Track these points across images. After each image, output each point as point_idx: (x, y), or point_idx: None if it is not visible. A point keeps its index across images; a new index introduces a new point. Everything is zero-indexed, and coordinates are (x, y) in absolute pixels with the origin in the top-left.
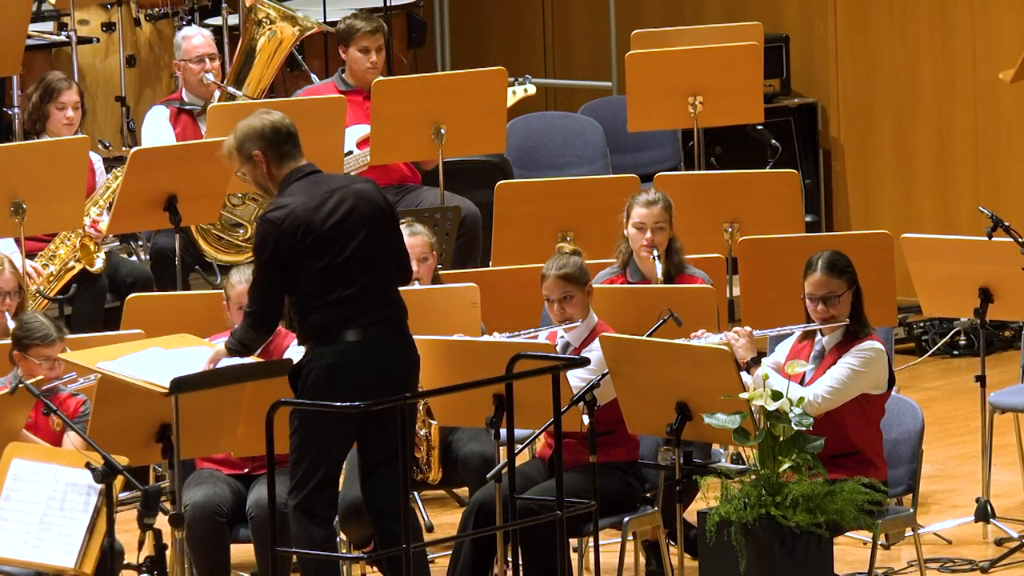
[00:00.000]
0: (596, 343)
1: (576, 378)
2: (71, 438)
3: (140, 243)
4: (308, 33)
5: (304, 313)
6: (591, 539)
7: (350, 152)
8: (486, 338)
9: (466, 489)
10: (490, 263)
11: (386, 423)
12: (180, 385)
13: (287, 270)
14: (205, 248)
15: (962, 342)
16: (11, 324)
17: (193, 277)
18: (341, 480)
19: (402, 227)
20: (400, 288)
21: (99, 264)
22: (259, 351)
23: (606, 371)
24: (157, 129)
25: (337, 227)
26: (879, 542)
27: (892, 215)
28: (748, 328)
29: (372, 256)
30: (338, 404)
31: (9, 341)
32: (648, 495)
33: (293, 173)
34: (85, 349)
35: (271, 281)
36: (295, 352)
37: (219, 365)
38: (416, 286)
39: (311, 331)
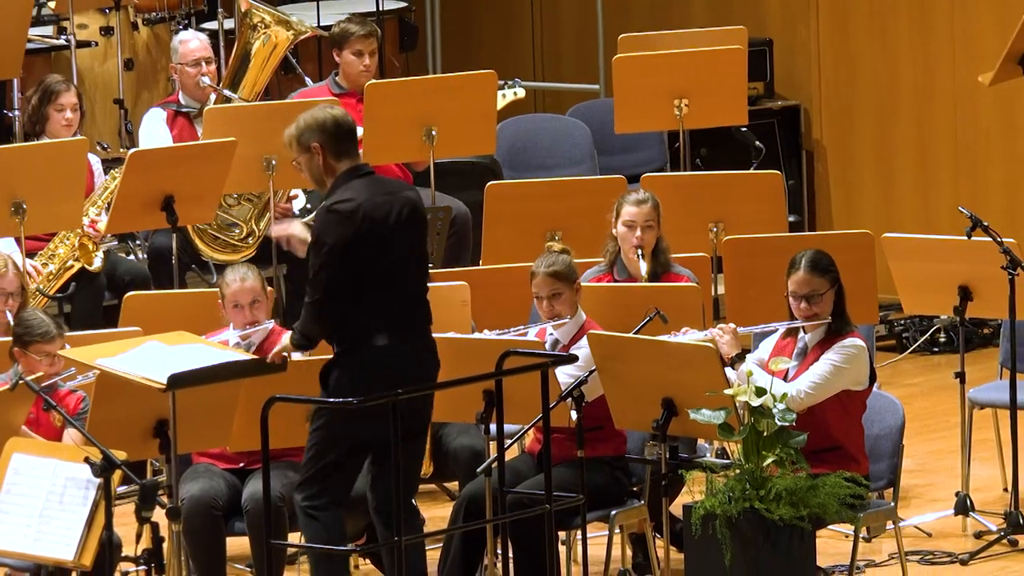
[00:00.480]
0: (584, 340)
1: (564, 374)
2: (71, 434)
3: (138, 242)
4: (302, 37)
5: (338, 312)
6: (579, 532)
7: None
8: (476, 335)
9: (456, 483)
10: (480, 262)
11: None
12: (177, 381)
13: (352, 264)
14: (201, 247)
15: (942, 339)
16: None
17: (190, 276)
18: None
19: None
20: None
21: (98, 263)
22: (254, 349)
23: (594, 368)
24: (154, 131)
25: (395, 230)
26: (861, 535)
27: (873, 215)
28: (732, 325)
29: (412, 263)
30: (331, 400)
31: (10, 339)
32: (635, 489)
33: (352, 171)
34: (84, 346)
35: (338, 273)
36: None
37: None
38: None
39: (345, 332)
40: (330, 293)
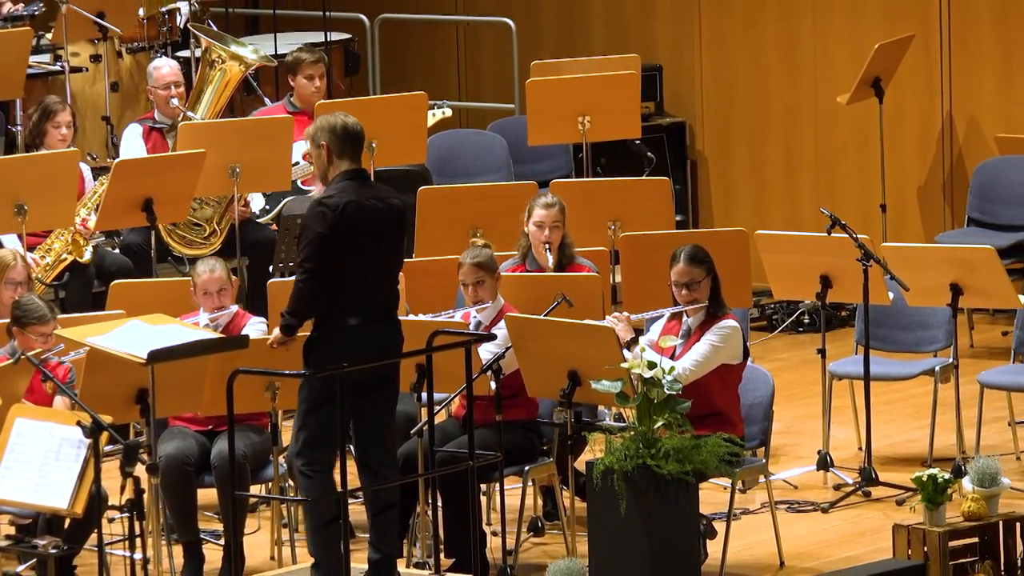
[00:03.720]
0: (503, 322)
1: (485, 351)
2: (62, 400)
3: (120, 237)
4: (252, 68)
5: (329, 296)
6: (497, 484)
7: (297, 163)
8: (411, 318)
9: None
10: (414, 255)
11: (374, 398)
12: (155, 356)
13: (328, 251)
14: (170, 243)
15: (806, 321)
16: None
17: (165, 267)
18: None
19: None
20: None
21: (88, 256)
22: (221, 329)
23: (510, 345)
24: (132, 143)
25: (373, 229)
26: (737, 487)
27: (748, 215)
28: (626, 313)
29: (385, 257)
30: (288, 372)
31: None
32: (545, 448)
33: (349, 172)
34: (76, 327)
35: (321, 258)
36: (252, 329)
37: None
38: None
39: (324, 312)
40: (316, 277)
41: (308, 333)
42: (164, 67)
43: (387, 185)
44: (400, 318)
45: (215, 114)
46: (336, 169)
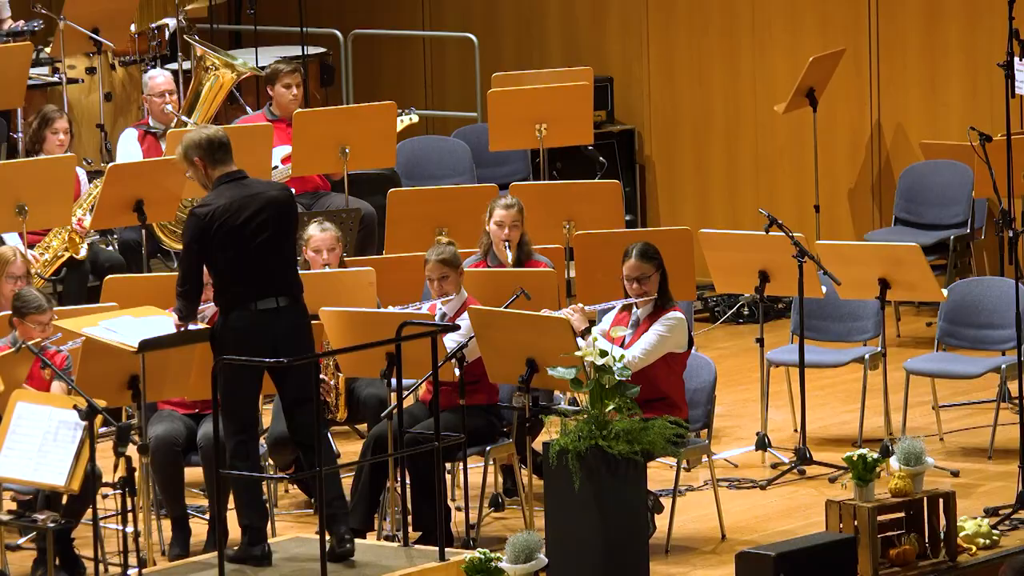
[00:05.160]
0: (466, 313)
1: (450, 340)
2: (59, 385)
3: (114, 235)
4: (243, 77)
5: (219, 289)
6: (461, 463)
7: (276, 167)
8: (381, 310)
9: (365, 425)
10: (384, 251)
11: (296, 373)
12: (146, 345)
13: (205, 254)
14: (162, 238)
15: (746, 312)
16: None
17: (154, 262)
18: (268, 418)
19: (315, 224)
20: (301, 271)
21: (83, 252)
22: (206, 322)
23: (473, 335)
24: (128, 147)
25: (248, 224)
26: (682, 466)
27: (692, 215)
28: (580, 305)
29: (275, 246)
30: (269, 361)
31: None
32: (505, 430)
33: (224, 176)
34: (73, 318)
35: (193, 263)
36: None
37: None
38: (326, 270)
39: (224, 304)
40: (189, 275)
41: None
42: (158, 77)
43: (361, 187)
44: (370, 310)
45: (207, 118)
46: (214, 176)
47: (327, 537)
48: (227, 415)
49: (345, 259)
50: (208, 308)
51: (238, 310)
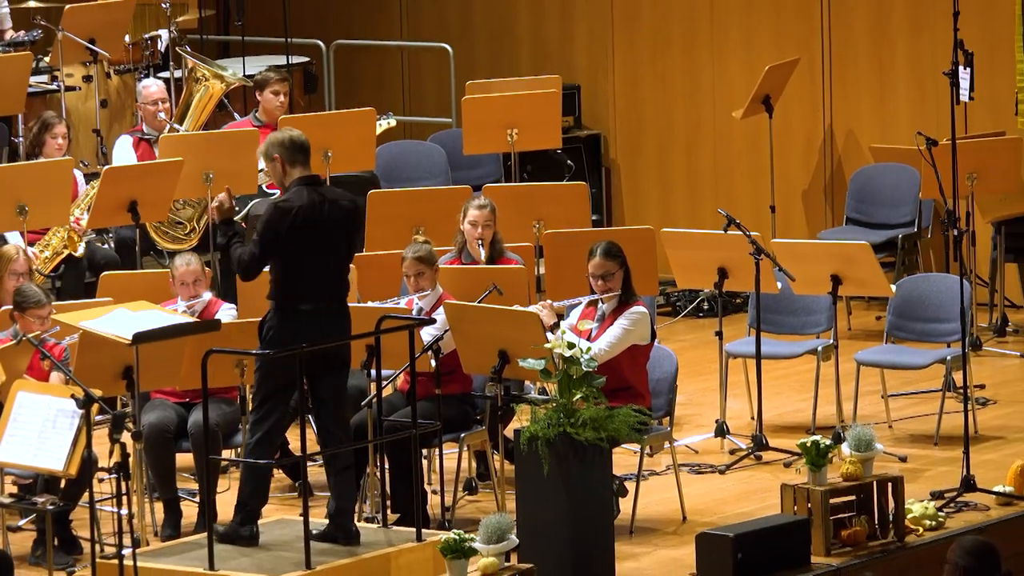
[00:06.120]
0: (441, 308)
1: (427, 333)
2: (58, 376)
3: (110, 234)
4: (232, 87)
5: (278, 282)
6: (437, 450)
7: (262, 169)
8: (362, 304)
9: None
10: (364, 249)
11: (324, 374)
12: (139, 338)
13: (277, 247)
14: (156, 238)
15: (705, 307)
16: None
17: (147, 260)
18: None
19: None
20: None
21: (81, 250)
22: (197, 314)
23: (448, 328)
24: (124, 152)
25: (322, 227)
26: (645, 452)
27: (655, 215)
28: (549, 301)
29: (336, 252)
30: (255, 352)
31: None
32: (478, 418)
33: (303, 178)
34: (71, 312)
35: (265, 251)
36: (224, 314)
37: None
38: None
39: (279, 297)
40: (259, 263)
41: (261, 318)
42: (152, 86)
43: (343, 188)
44: (351, 304)
45: (197, 125)
46: (291, 177)
47: (333, 529)
48: (259, 407)
49: None
50: (198, 303)
51: (294, 307)
